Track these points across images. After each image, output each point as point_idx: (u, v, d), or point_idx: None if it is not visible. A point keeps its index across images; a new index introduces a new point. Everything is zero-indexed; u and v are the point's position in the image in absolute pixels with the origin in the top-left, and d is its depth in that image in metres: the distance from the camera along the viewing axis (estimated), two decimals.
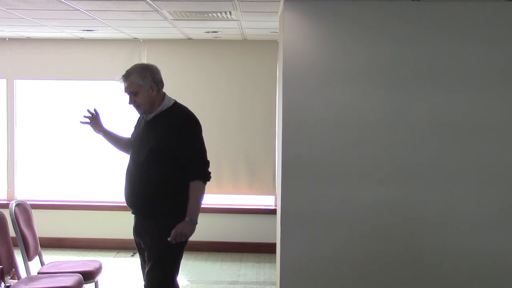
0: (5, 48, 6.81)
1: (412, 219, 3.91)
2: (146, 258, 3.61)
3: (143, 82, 3.50)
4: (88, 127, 3.86)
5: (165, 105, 3.58)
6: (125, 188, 3.66)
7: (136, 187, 3.55)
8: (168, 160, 3.48)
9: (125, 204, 3.67)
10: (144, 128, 3.63)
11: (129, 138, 3.82)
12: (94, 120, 3.84)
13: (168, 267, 3.53)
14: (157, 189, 3.48)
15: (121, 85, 3.57)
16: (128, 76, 3.52)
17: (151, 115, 3.58)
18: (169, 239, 3.45)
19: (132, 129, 3.82)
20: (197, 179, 3.52)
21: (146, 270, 3.59)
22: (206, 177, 3.57)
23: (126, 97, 3.58)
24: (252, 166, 6.80)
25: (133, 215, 3.71)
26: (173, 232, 3.46)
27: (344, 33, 3.89)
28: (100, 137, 3.92)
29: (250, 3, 4.47)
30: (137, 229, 3.66)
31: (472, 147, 3.89)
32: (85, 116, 3.83)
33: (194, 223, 3.51)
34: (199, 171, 3.54)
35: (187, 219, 3.49)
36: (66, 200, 6.97)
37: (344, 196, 3.89)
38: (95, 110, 3.85)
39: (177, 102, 3.66)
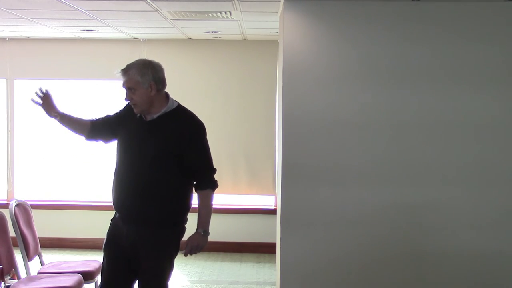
0: (5, 48, 6.80)
1: (412, 219, 3.90)
2: (128, 269, 3.34)
3: (141, 79, 3.26)
4: (42, 110, 3.44)
5: (170, 106, 3.35)
6: (117, 193, 3.36)
7: (136, 193, 3.27)
8: (174, 166, 3.28)
9: None
10: (144, 129, 3.34)
11: (91, 120, 3.52)
12: (46, 101, 3.41)
13: (167, 278, 3.37)
14: (163, 196, 3.28)
15: (120, 79, 3.35)
16: (127, 71, 3.30)
17: (155, 116, 3.31)
18: (182, 252, 3.33)
19: (114, 117, 3.51)
20: (208, 188, 3.41)
21: (142, 282, 3.35)
22: (215, 185, 3.45)
23: (124, 92, 3.34)
24: (252, 166, 6.80)
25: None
26: (187, 244, 3.33)
27: (344, 33, 3.88)
28: (56, 123, 3.50)
29: (250, 3, 4.46)
30: (130, 238, 3.30)
31: (472, 147, 3.88)
32: (37, 95, 3.41)
33: (207, 234, 3.38)
34: (210, 179, 3.42)
35: (200, 230, 3.35)
36: (66, 200, 6.97)
37: (344, 196, 3.89)
38: (47, 91, 3.41)
39: (181, 105, 3.43)
